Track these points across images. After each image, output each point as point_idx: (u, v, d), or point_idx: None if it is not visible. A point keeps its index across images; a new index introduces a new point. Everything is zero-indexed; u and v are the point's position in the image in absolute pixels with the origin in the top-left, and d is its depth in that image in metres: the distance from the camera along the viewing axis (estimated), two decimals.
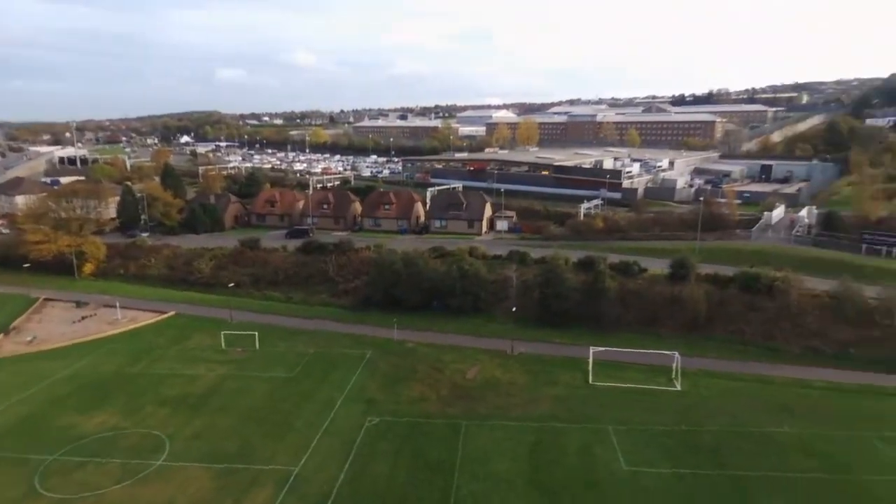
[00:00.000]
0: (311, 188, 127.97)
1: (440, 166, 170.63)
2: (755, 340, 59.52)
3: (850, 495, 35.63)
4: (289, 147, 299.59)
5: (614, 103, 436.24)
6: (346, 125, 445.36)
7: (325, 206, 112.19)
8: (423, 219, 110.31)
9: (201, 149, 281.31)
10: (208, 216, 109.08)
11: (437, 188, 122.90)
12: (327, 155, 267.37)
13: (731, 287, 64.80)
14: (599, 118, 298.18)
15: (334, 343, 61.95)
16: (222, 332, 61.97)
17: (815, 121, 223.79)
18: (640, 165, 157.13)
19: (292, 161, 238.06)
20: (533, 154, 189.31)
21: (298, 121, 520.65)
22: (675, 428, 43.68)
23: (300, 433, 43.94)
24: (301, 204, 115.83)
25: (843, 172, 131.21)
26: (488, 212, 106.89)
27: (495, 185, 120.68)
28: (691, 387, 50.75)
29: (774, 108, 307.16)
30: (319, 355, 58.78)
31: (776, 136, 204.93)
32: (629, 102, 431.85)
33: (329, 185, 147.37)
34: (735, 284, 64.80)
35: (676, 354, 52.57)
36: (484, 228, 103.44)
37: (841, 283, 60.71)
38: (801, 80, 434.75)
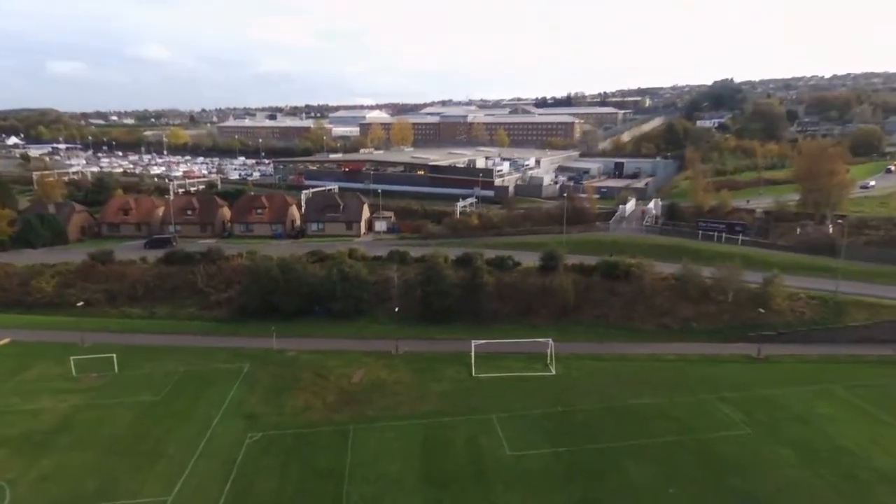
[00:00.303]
0: (171, 193, 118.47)
1: (314, 168, 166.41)
2: (617, 322, 65.38)
3: (698, 452, 40.43)
4: (143, 149, 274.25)
5: (483, 105, 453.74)
6: (209, 125, 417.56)
7: (190, 213, 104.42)
8: (298, 222, 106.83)
9: (35, 152, 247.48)
10: (47, 228, 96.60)
11: (311, 190, 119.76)
12: (189, 157, 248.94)
13: (594, 275, 70.47)
14: (470, 119, 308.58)
15: (208, 358, 57.91)
16: (72, 358, 55.21)
17: (656, 122, 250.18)
18: (510, 164, 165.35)
19: (148, 164, 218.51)
20: (408, 154, 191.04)
21: (153, 120, 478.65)
22: (552, 410, 46.62)
23: (172, 459, 40.59)
24: (161, 211, 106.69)
25: (680, 168, 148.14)
26: (366, 213, 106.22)
27: (372, 186, 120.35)
28: (564, 370, 54.50)
29: (623, 111, 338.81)
30: (191, 373, 54.64)
31: (626, 136, 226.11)
32: (497, 104, 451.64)
33: (192, 189, 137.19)
34: (598, 272, 70.57)
35: (550, 341, 56.18)
36: (363, 230, 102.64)
37: (683, 265, 68.61)
38: (644, 86, 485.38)
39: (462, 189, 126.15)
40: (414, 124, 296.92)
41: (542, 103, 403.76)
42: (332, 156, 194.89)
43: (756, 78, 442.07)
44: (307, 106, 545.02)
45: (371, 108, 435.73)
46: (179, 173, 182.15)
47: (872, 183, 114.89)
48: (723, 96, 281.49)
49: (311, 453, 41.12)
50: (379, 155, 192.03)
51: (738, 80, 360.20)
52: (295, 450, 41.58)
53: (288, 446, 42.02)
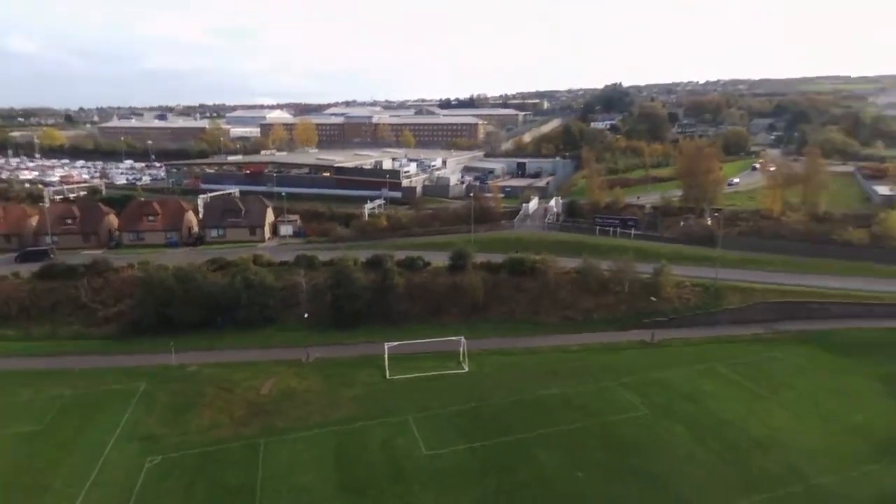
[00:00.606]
0: (47, 200, 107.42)
1: (212, 171, 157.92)
2: (524, 317, 67.86)
3: (602, 436, 42.97)
4: (11, 151, 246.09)
5: (388, 106, 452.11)
6: (90, 125, 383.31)
7: (70, 222, 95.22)
8: (196, 229, 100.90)
9: None
10: None
11: (210, 194, 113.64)
12: (66, 160, 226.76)
13: (501, 272, 72.62)
14: (375, 120, 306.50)
15: (97, 380, 53.28)
16: None
17: (554, 124, 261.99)
18: (417, 165, 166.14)
19: (17, 168, 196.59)
20: (313, 156, 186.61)
21: (21, 119, 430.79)
22: (465, 406, 47.55)
23: (59, 493, 37.05)
24: (35, 220, 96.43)
25: (578, 167, 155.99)
26: (270, 217, 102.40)
27: (276, 189, 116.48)
28: (476, 367, 55.77)
29: (524, 112, 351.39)
30: (79, 397, 50.04)
31: (527, 137, 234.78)
32: (402, 105, 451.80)
33: (73, 195, 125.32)
34: (505, 270, 72.78)
35: (462, 339, 57.28)
36: (267, 234, 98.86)
37: (583, 260, 72.51)
38: (542, 89, 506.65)
39: (369, 191, 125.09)
40: (318, 125, 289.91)
41: (445, 104, 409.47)
42: (231, 158, 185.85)
43: (642, 83, 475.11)
44: (202, 105, 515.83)
45: (272, 107, 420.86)
46: (56, 178, 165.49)
47: (736, 180, 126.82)
48: (612, 99, 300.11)
49: (219, 471, 39.14)
50: (282, 156, 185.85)
51: (626, 84, 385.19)
52: (201, 470, 39.38)
53: (193, 467, 39.71)
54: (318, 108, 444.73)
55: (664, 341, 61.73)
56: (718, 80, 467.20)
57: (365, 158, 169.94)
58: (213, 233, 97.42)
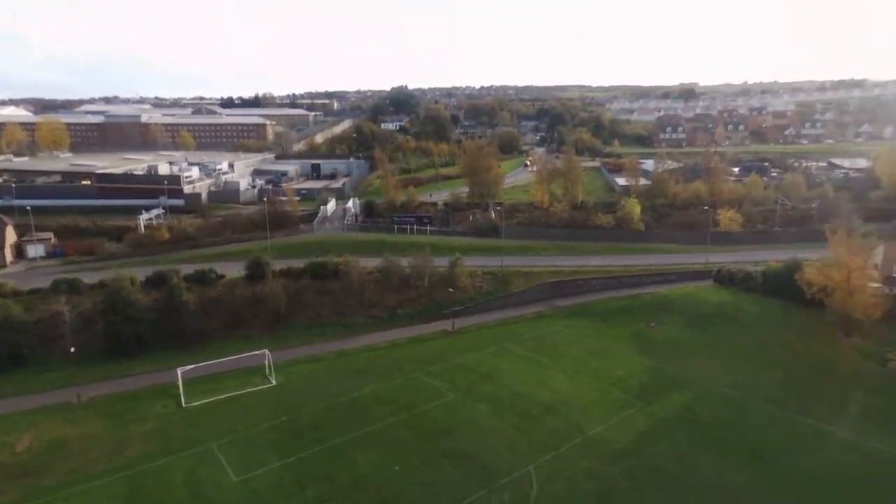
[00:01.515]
0: None
1: None
2: (331, 321, 67.19)
3: (415, 426, 44.71)
4: None
5: (159, 103, 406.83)
6: None
7: None
8: None
9: None
10: None
11: None
12: None
13: (304, 278, 70.87)
14: (145, 119, 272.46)
15: None
16: None
17: (346, 125, 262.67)
18: (200, 169, 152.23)
19: None
20: (66, 161, 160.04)
21: None
22: (275, 422, 45.48)
23: None
24: None
25: (372, 168, 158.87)
26: (12, 236, 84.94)
27: (16, 202, 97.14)
28: (285, 378, 53.64)
29: (314, 113, 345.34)
30: None
31: (319, 138, 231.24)
32: (176, 103, 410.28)
33: None
34: (307, 274, 71.19)
35: (266, 352, 54.54)
36: (9, 258, 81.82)
37: (384, 259, 74.34)
38: (331, 89, 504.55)
39: (145, 199, 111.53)
40: (69, 125, 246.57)
41: (228, 103, 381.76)
42: None
43: (425, 86, 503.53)
44: None
45: (2, 103, 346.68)
46: None
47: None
48: (400, 101, 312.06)
49: None
50: (21, 163, 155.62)
51: (410, 87, 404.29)
52: None
53: None
54: (67, 105, 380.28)
55: (463, 328, 66.43)
56: (491, 86, 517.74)
57: (136, 163, 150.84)
58: None
